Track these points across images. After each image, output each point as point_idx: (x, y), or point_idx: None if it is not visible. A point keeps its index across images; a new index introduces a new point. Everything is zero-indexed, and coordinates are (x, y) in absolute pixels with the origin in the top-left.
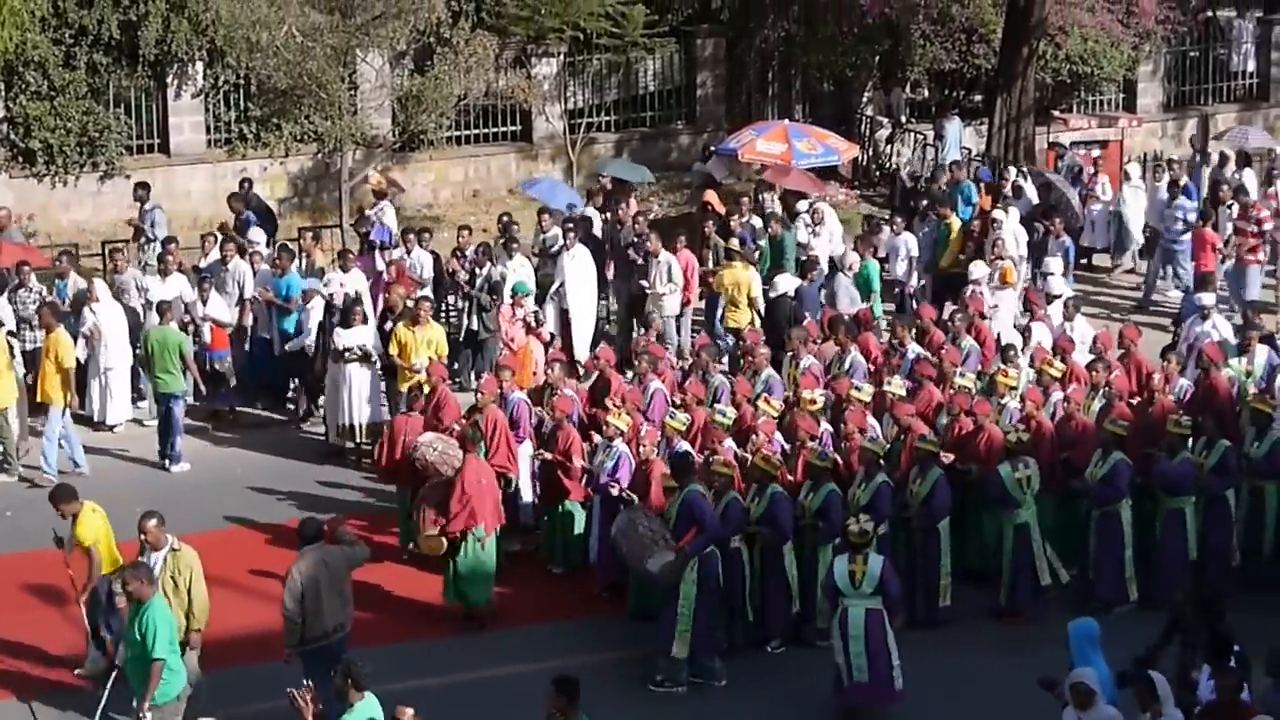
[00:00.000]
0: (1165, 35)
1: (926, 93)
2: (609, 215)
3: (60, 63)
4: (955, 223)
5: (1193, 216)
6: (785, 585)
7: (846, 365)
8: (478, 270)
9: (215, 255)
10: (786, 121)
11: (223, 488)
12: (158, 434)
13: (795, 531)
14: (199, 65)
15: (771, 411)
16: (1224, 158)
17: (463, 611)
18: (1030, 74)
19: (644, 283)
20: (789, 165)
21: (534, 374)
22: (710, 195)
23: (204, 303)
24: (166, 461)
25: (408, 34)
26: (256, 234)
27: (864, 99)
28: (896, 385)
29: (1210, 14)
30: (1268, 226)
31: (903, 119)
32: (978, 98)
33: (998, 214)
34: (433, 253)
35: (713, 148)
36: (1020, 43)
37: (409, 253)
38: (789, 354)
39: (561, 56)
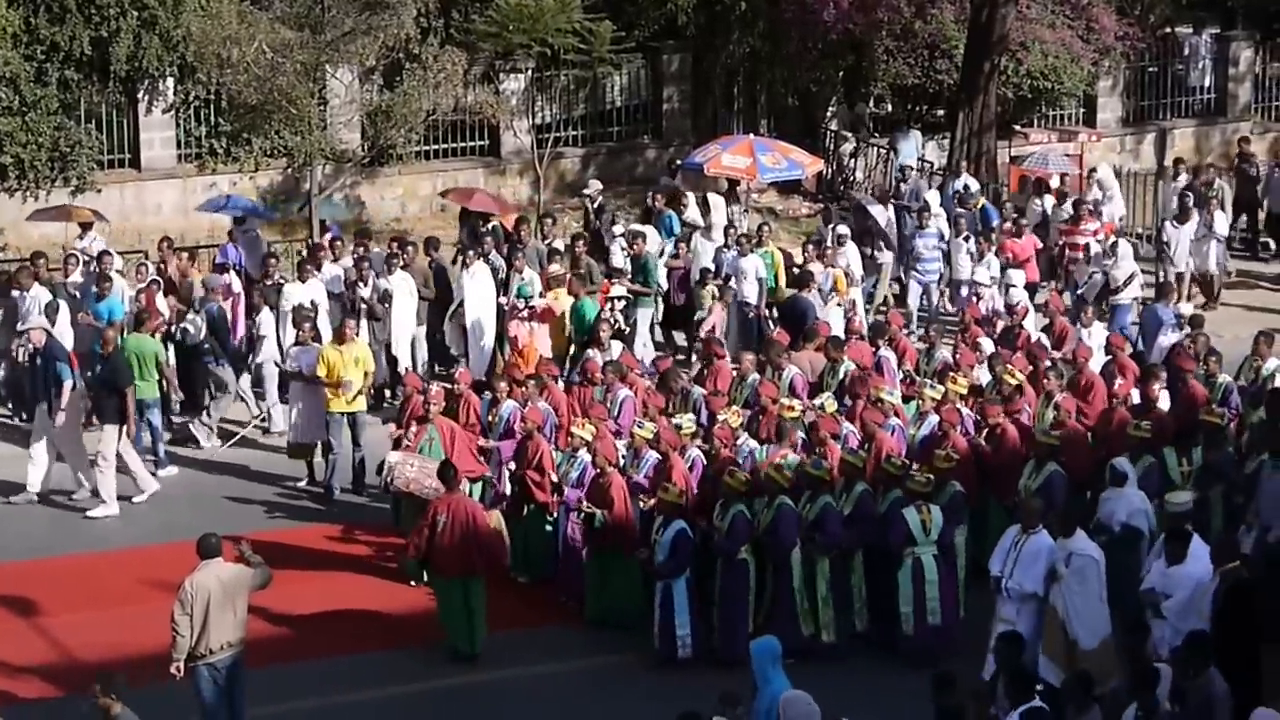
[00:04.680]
0: (1125, 51)
1: (890, 107)
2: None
3: (32, 78)
4: (776, 252)
5: (944, 247)
6: (791, 599)
7: (840, 376)
8: (362, 283)
9: (77, 277)
10: (752, 136)
11: (198, 498)
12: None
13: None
14: (170, 81)
15: (733, 422)
16: (1023, 182)
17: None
18: (992, 89)
19: (502, 299)
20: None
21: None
22: (508, 216)
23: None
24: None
25: (377, 50)
26: None
27: (828, 114)
28: (895, 396)
29: (1169, 31)
30: (1099, 239)
31: (864, 132)
32: (940, 112)
33: (842, 229)
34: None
35: (679, 162)
36: (982, 58)
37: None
38: (768, 367)
39: (529, 72)
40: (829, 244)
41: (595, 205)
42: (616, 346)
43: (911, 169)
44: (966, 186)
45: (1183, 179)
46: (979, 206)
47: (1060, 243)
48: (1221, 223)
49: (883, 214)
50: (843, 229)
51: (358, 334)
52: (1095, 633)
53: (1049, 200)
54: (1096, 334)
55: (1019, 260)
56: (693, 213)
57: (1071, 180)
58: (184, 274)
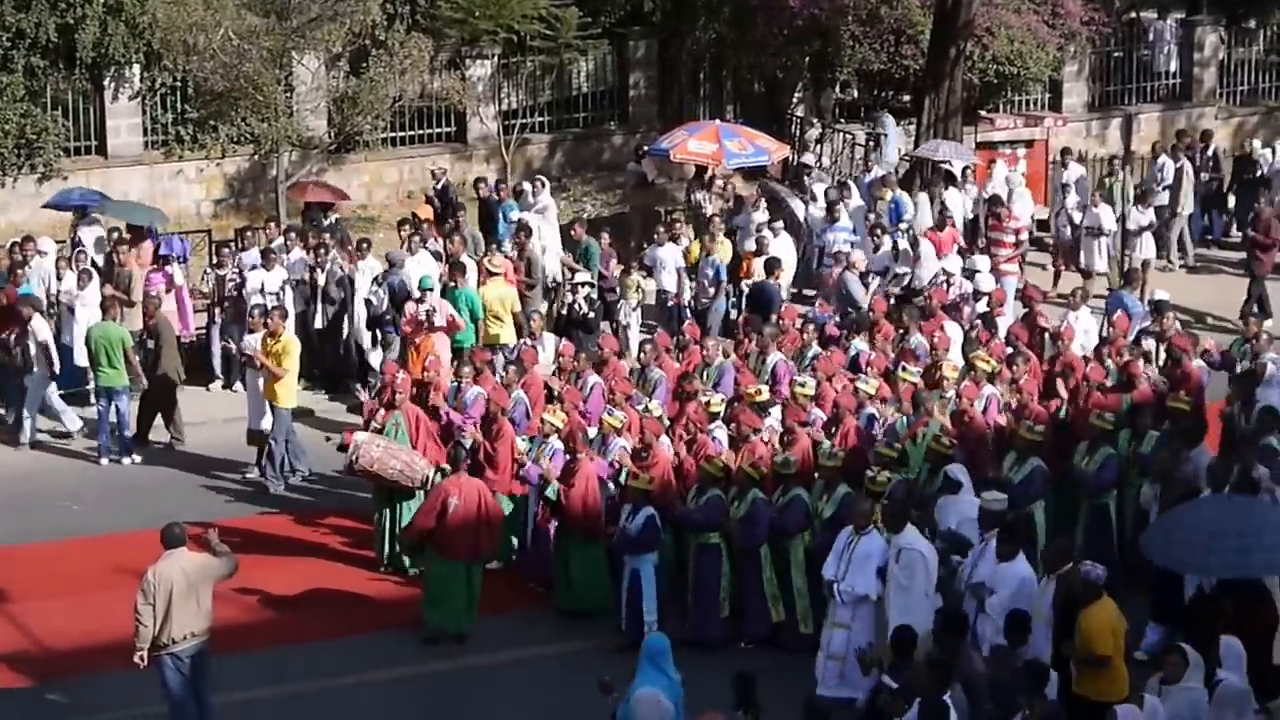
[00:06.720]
0: (1090, 36)
1: (856, 93)
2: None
3: None
4: (725, 242)
5: (855, 239)
6: (760, 587)
7: (808, 361)
8: (319, 269)
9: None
10: (718, 122)
11: (171, 486)
12: (98, 429)
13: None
14: (136, 68)
15: (716, 406)
16: (949, 175)
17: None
18: (958, 74)
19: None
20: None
21: (425, 368)
22: (424, 209)
23: None
24: (113, 456)
25: (343, 36)
26: None
27: (794, 99)
28: (870, 385)
29: (1134, 15)
30: (1024, 236)
31: (830, 118)
32: (906, 98)
33: (757, 216)
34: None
35: (645, 148)
36: (948, 44)
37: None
38: (756, 351)
39: (495, 58)
40: (763, 232)
41: (439, 186)
42: (550, 339)
43: (813, 167)
44: (882, 177)
45: (1073, 169)
46: (889, 199)
47: (986, 236)
48: (1108, 217)
49: (800, 206)
50: (762, 216)
51: (287, 321)
52: (917, 629)
53: (956, 193)
54: (1084, 318)
55: (940, 253)
56: (545, 198)
57: (975, 171)
58: (123, 263)
